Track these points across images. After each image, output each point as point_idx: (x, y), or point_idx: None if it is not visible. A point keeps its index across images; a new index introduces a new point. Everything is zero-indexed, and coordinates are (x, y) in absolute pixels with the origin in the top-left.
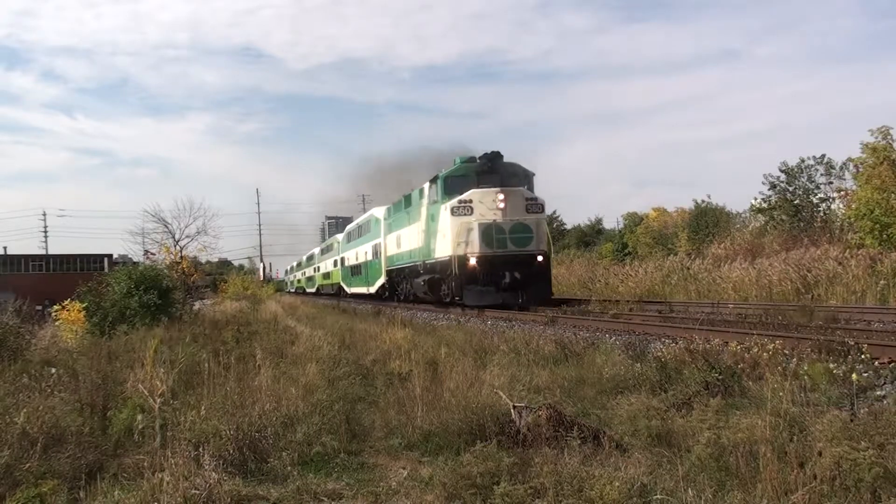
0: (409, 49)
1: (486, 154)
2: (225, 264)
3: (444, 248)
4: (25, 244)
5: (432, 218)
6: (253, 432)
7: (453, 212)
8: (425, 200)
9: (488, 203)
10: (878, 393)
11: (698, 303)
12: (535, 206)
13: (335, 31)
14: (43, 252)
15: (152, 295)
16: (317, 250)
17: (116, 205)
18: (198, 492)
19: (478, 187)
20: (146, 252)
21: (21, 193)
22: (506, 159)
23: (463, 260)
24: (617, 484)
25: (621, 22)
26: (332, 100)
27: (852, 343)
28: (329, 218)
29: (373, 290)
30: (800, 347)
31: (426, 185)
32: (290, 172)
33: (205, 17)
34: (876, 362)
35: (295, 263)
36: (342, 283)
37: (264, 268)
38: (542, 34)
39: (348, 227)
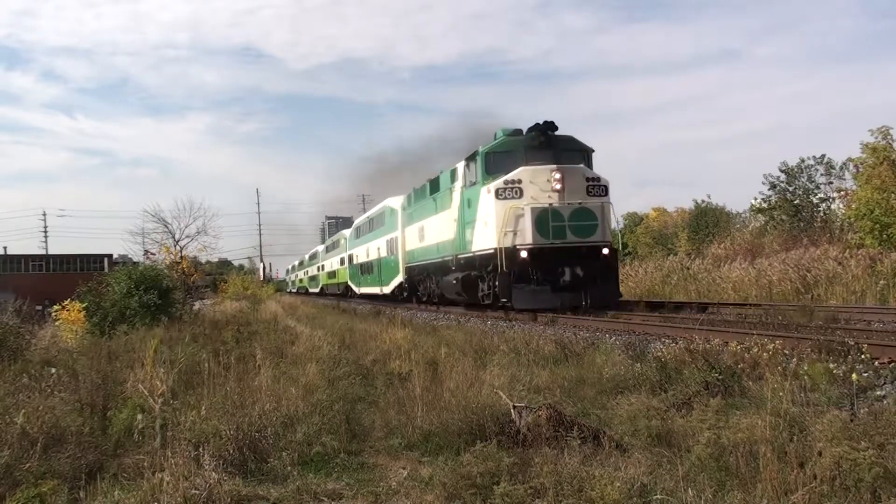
0: (409, 49)
1: (536, 125)
2: (225, 264)
3: (485, 240)
4: (25, 244)
5: (468, 203)
6: (253, 432)
7: (498, 194)
8: (459, 183)
9: (541, 183)
10: (878, 393)
11: (699, 303)
12: (597, 187)
13: (335, 31)
14: (43, 252)
15: (152, 295)
16: (321, 248)
17: (116, 205)
18: (198, 492)
19: (527, 165)
20: (146, 252)
21: (21, 193)
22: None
23: (511, 253)
24: (617, 484)
25: (621, 22)
26: (332, 100)
27: (852, 343)
28: (329, 218)
29: (387, 290)
30: (800, 347)
31: (460, 165)
32: (289, 172)
33: (205, 17)
34: (876, 362)
35: (297, 262)
36: (350, 283)
37: (264, 268)
38: (542, 34)
39: (357, 222)
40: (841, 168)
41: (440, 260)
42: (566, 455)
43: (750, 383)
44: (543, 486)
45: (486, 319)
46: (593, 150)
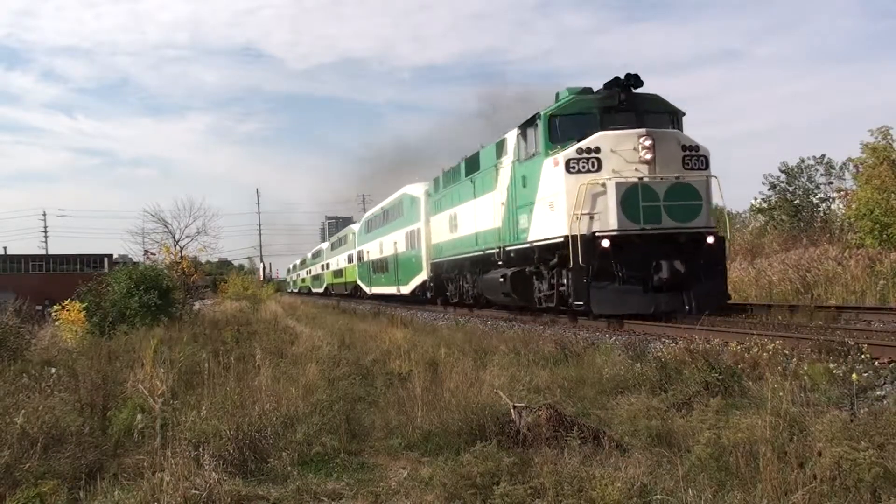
0: (409, 49)
1: (615, 79)
2: (225, 264)
3: (549, 226)
4: (25, 244)
5: (524, 182)
6: (253, 432)
7: (569, 167)
8: (509, 158)
9: (626, 152)
10: (878, 393)
11: None
12: (696, 158)
13: (335, 31)
14: (43, 252)
15: (152, 295)
16: (325, 245)
17: (116, 205)
18: (198, 492)
19: (604, 129)
20: (146, 252)
21: (21, 193)
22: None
23: (589, 242)
24: (617, 484)
25: (621, 22)
26: (332, 100)
27: (852, 343)
28: (329, 218)
29: (406, 290)
30: (800, 347)
31: (510, 135)
32: (289, 172)
33: (205, 17)
34: (876, 362)
35: (298, 261)
36: (360, 282)
37: (264, 267)
38: (542, 34)
39: (367, 214)
40: (841, 168)
41: (480, 253)
42: (566, 455)
43: (750, 383)
44: (543, 486)
45: (486, 319)
46: (684, 114)
